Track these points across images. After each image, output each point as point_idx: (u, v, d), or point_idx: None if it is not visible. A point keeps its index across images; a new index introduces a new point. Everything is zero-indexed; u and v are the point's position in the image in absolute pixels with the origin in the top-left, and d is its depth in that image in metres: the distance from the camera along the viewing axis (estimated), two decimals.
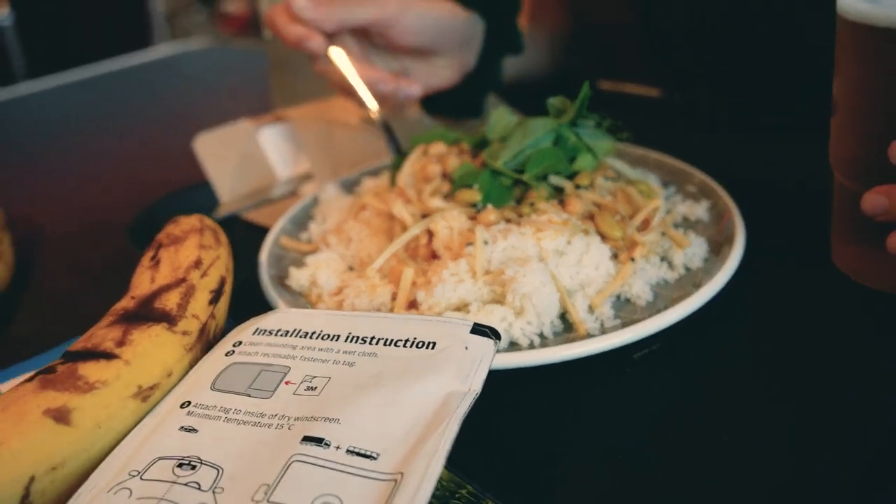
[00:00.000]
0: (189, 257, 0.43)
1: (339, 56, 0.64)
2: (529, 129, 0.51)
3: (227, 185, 0.67)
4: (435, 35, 0.67)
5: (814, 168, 0.51)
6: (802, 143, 0.53)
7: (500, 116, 0.55)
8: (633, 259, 0.47)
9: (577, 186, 0.50)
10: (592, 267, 0.46)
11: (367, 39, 0.67)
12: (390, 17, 0.64)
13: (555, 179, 0.50)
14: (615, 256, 0.48)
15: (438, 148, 0.56)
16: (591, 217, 0.49)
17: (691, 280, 0.47)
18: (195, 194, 0.70)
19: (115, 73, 1.25)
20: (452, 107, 0.75)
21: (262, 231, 0.58)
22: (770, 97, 0.68)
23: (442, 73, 0.70)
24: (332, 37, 0.64)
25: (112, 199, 0.75)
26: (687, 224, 0.54)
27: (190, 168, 0.70)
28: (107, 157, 0.90)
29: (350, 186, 0.62)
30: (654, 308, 0.45)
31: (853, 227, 0.48)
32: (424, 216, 0.50)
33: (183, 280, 0.41)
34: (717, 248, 0.49)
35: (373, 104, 0.64)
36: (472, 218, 0.49)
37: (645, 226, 0.50)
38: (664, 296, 0.46)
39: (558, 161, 0.50)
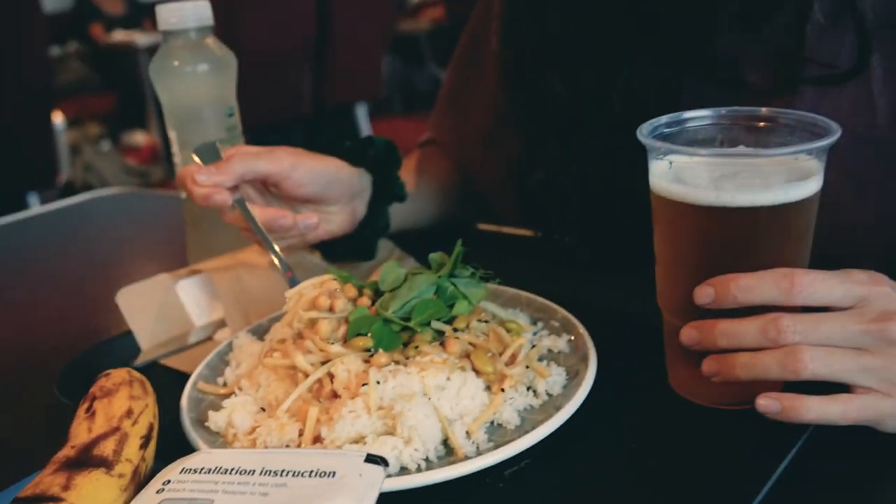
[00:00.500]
0: (121, 408, 0.50)
1: (242, 205, 0.73)
2: (414, 282, 0.61)
3: (148, 334, 0.74)
4: (324, 186, 0.78)
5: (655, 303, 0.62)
6: (649, 282, 0.64)
7: (389, 270, 0.64)
8: (503, 390, 0.56)
9: (455, 329, 0.60)
10: (469, 398, 0.55)
11: (266, 190, 0.78)
12: (284, 171, 0.75)
13: (436, 325, 0.60)
14: (488, 388, 0.57)
15: (331, 285, 0.65)
16: (467, 355, 0.58)
17: (553, 404, 0.56)
18: (115, 344, 0.76)
19: (30, 219, 1.31)
20: (348, 251, 0.85)
21: (181, 376, 0.65)
22: (623, 242, 0.81)
23: (335, 221, 0.81)
24: (236, 189, 0.74)
25: (39, 349, 0.81)
26: (551, 355, 0.64)
27: (111, 316, 0.77)
28: (28, 307, 0.95)
29: (261, 333, 0.70)
30: (521, 430, 0.54)
31: (680, 355, 0.58)
32: (324, 362, 0.59)
33: (117, 429, 0.48)
34: (575, 375, 0.59)
35: (274, 247, 0.73)
36: (367, 361, 0.57)
37: (512, 360, 0.59)
38: (530, 419, 0.55)
39: (439, 309, 0.60)
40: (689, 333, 0.55)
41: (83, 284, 1.00)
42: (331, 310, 0.62)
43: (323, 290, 0.64)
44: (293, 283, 0.70)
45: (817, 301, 0.52)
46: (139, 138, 5.06)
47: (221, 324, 0.77)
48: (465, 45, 1.05)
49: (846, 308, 0.52)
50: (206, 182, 0.71)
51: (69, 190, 3.49)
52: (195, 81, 0.80)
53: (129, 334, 0.75)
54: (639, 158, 0.59)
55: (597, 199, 0.83)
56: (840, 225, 0.66)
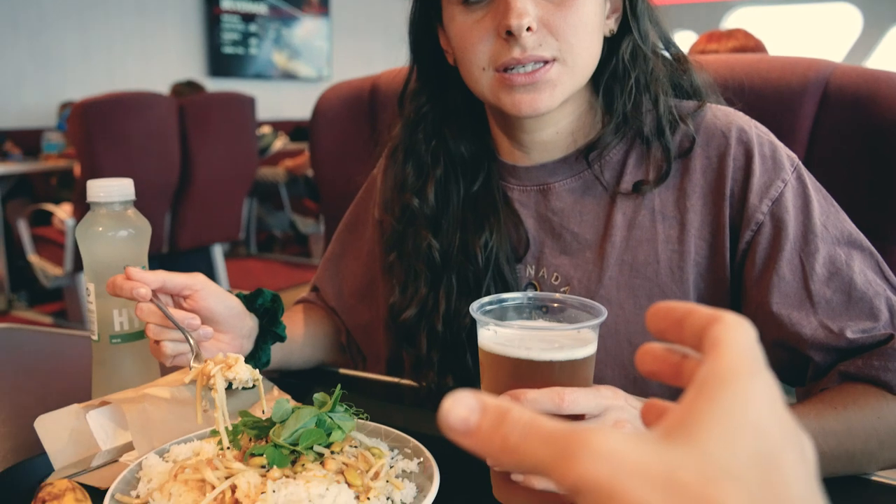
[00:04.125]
0: None
1: (158, 303, 0.91)
2: (301, 415, 0.78)
3: (61, 456, 0.86)
4: (226, 309, 0.97)
5: None
6: None
7: (280, 406, 0.81)
8: (368, 499, 0.74)
9: (332, 452, 0.77)
10: None
11: (176, 304, 0.95)
12: (197, 284, 0.94)
13: (318, 448, 0.77)
14: (357, 497, 0.74)
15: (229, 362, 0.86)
16: (341, 472, 0.76)
17: None
18: (31, 465, 0.87)
19: None
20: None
21: (94, 490, 0.78)
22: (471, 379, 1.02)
23: (224, 348, 0.98)
24: (155, 296, 0.92)
25: None
26: (405, 474, 0.82)
27: (24, 440, 0.88)
28: None
29: (163, 454, 0.84)
30: None
31: (498, 471, 0.78)
32: (228, 476, 0.74)
33: None
34: (422, 490, 0.77)
35: (186, 332, 0.92)
36: (263, 475, 0.73)
37: (376, 476, 0.77)
38: None
39: (319, 436, 0.77)
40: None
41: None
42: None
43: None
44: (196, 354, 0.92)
45: (579, 410, 0.72)
46: None
47: (125, 448, 0.90)
48: (347, 219, 1.29)
49: (595, 416, 0.74)
50: (136, 277, 0.89)
51: None
52: (115, 245, 0.96)
53: (42, 455, 0.87)
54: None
55: (458, 333, 1.05)
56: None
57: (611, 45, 1.02)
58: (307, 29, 8.60)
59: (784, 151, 1.00)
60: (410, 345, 1.11)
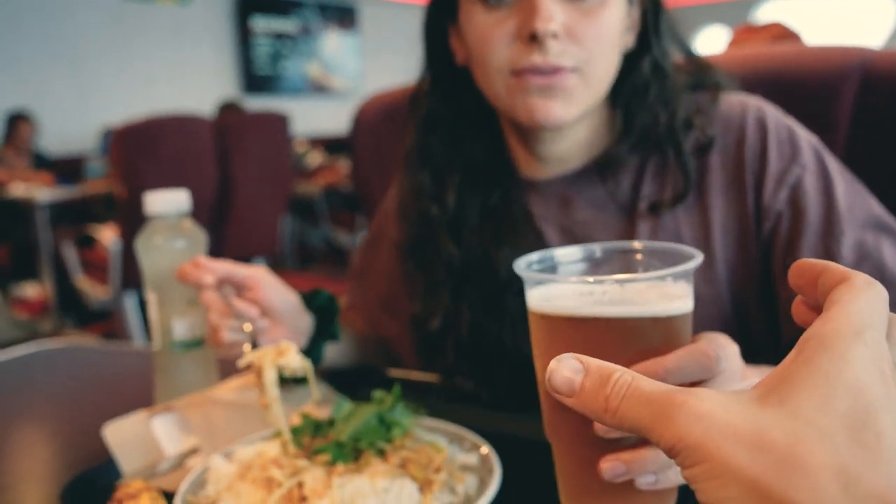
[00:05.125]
0: None
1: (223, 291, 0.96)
2: (362, 412, 0.80)
3: (129, 461, 0.89)
4: (283, 304, 0.99)
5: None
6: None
7: (340, 405, 0.84)
8: (431, 491, 0.75)
9: (394, 448, 0.79)
10: (407, 497, 0.74)
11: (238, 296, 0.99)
12: (258, 277, 0.97)
13: (379, 444, 0.79)
14: (421, 489, 0.76)
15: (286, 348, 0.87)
16: (403, 466, 0.77)
17: (468, 501, 0.76)
18: (100, 471, 0.90)
19: None
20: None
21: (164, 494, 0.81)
22: (514, 381, 1.03)
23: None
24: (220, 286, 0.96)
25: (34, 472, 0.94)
26: (464, 468, 0.83)
27: (92, 448, 0.91)
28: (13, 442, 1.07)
29: (229, 456, 0.87)
30: None
31: (574, 482, 0.65)
32: (294, 474, 0.76)
33: None
34: (483, 481, 0.79)
35: (247, 322, 0.96)
36: (328, 472, 0.75)
37: (438, 469, 0.79)
38: None
39: (380, 433, 0.79)
40: (614, 466, 0.58)
41: (58, 425, 1.13)
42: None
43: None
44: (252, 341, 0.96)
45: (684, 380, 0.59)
46: (30, 291, 5.03)
47: (190, 453, 0.92)
48: (370, 233, 1.31)
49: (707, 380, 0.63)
50: (203, 265, 0.94)
51: None
52: (173, 254, 0.99)
53: (110, 462, 0.90)
54: (521, 307, 0.67)
55: (483, 343, 1.05)
56: None
57: (628, 60, 1.01)
58: (338, 44, 8.71)
59: (803, 135, 0.97)
60: (437, 355, 1.10)
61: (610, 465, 0.58)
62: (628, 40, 1.01)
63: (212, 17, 7.53)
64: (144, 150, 4.01)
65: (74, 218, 5.44)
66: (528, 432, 0.83)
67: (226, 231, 4.68)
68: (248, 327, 0.97)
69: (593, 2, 0.92)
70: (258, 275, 0.98)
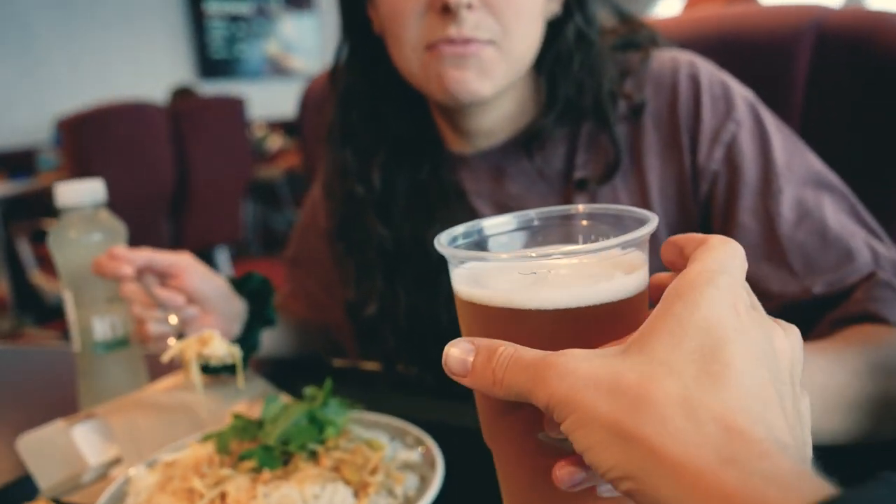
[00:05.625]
0: None
1: (145, 281, 0.90)
2: (291, 412, 0.74)
3: (47, 475, 0.82)
4: (212, 290, 0.93)
5: None
6: None
7: (270, 403, 0.77)
8: (367, 495, 0.70)
9: (326, 449, 0.73)
10: (340, 503, 0.68)
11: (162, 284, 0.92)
12: (182, 264, 0.91)
13: (311, 446, 0.73)
14: (356, 494, 0.70)
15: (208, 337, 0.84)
16: (336, 468, 0.72)
17: (407, 503, 0.70)
18: (15, 489, 0.83)
19: None
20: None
21: None
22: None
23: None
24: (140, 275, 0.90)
25: None
26: (406, 465, 0.78)
27: (7, 463, 0.84)
28: None
29: (153, 465, 0.80)
30: None
31: (517, 491, 0.53)
32: (217, 484, 0.70)
33: None
34: (425, 479, 0.73)
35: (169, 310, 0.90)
36: (253, 480, 0.69)
37: (374, 471, 0.73)
38: None
39: (311, 434, 0.73)
40: (573, 472, 0.46)
41: None
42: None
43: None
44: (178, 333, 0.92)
45: None
46: None
47: (115, 462, 0.86)
48: (301, 220, 1.24)
49: None
50: (120, 256, 0.87)
51: None
52: (89, 250, 0.92)
53: (27, 477, 0.83)
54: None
55: (423, 326, 1.00)
56: None
57: (553, 28, 0.95)
58: (295, 26, 8.55)
59: (738, 89, 0.93)
60: (375, 341, 1.05)
61: (567, 472, 0.46)
62: (553, 7, 0.95)
63: (164, 2, 7.34)
64: (96, 139, 3.90)
65: (28, 212, 5.30)
66: (474, 420, 0.78)
67: (186, 220, 4.58)
68: (173, 319, 0.91)
69: None
70: (182, 261, 0.92)
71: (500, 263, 0.50)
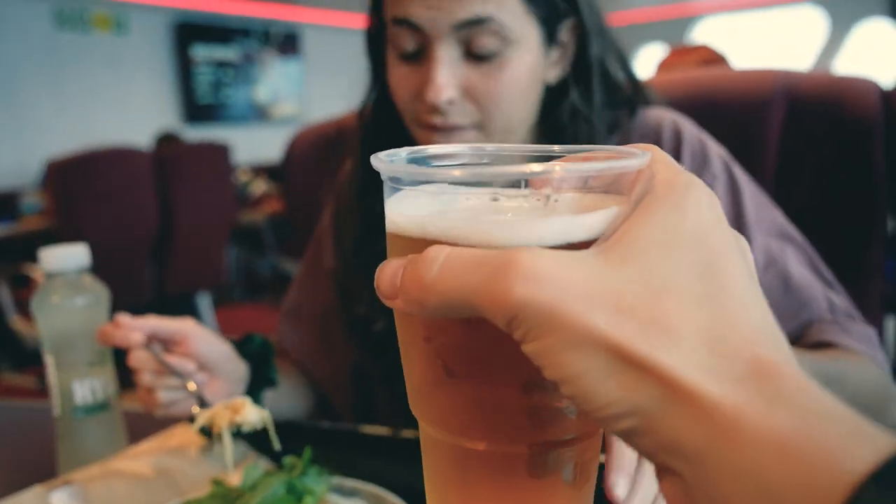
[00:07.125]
0: None
1: (153, 350, 0.91)
2: (269, 482, 0.75)
3: None
4: (217, 355, 0.95)
5: None
6: None
7: (249, 471, 0.78)
8: None
9: None
10: None
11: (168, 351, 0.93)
12: (187, 330, 0.92)
13: None
14: None
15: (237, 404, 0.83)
16: None
17: None
18: None
19: None
20: None
21: None
22: None
23: (216, 395, 0.95)
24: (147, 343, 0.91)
25: None
26: None
27: None
28: None
29: None
30: None
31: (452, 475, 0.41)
32: None
33: None
34: None
35: (186, 377, 0.91)
36: None
37: None
38: None
39: (289, 503, 0.74)
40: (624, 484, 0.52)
41: None
42: None
43: None
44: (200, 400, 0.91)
45: None
46: None
47: None
48: (303, 269, 1.26)
49: None
50: (125, 324, 0.88)
51: None
52: (73, 314, 0.93)
53: None
54: None
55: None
56: None
57: (556, 92, 1.01)
58: (281, 71, 8.63)
59: (714, 147, 1.01)
60: (381, 359, 1.08)
61: (623, 483, 0.52)
62: (553, 75, 1.00)
63: (150, 48, 7.40)
64: (80, 184, 3.89)
65: (9, 256, 5.27)
66: None
67: (169, 265, 4.56)
68: (192, 386, 0.91)
69: (492, 66, 0.91)
70: (186, 327, 0.93)
71: (470, 188, 0.39)
